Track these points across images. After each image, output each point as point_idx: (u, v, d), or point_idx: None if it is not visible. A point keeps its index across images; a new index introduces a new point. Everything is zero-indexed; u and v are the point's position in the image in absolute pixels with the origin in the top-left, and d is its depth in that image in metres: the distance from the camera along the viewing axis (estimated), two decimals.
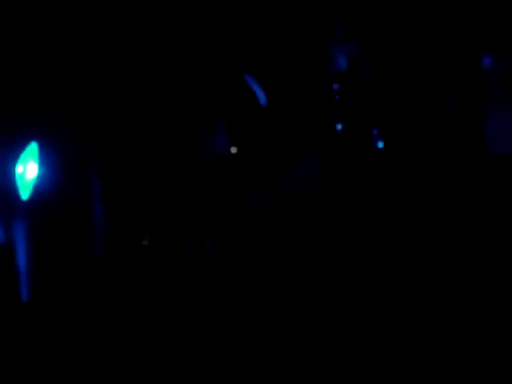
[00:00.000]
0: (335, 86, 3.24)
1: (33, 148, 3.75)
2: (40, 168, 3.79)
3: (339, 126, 3.32)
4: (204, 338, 3.30)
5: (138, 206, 4.00)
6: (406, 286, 2.88)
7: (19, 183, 3.69)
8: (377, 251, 3.09)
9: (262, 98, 3.45)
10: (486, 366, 2.49)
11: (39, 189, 3.79)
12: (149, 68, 4.05)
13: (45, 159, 3.82)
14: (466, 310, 2.78)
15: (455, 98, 3.15)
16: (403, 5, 3.06)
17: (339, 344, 2.85)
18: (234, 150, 3.71)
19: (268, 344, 3.05)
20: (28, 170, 3.73)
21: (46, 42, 3.92)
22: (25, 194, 3.71)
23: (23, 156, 3.73)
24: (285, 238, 3.40)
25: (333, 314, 3.00)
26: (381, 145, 3.09)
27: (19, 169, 3.71)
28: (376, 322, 2.85)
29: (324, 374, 2.71)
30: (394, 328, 2.79)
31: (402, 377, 2.57)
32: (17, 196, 3.70)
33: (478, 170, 3.01)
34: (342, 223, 3.19)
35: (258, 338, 3.13)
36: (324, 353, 2.83)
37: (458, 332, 2.69)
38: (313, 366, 2.79)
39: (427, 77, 3.09)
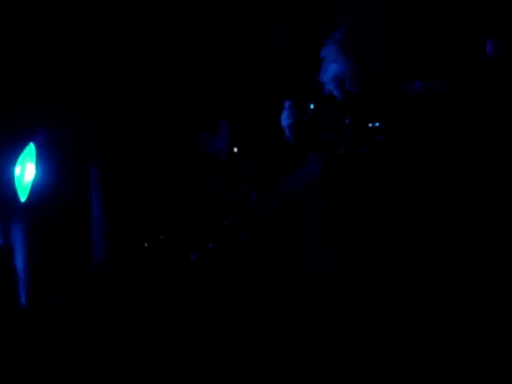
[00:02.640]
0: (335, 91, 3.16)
1: (30, 149, 3.69)
2: (38, 169, 3.73)
3: (346, 121, 3.24)
4: (209, 339, 3.26)
5: (139, 207, 3.93)
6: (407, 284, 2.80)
7: (17, 185, 3.63)
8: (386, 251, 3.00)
9: None
10: (486, 366, 2.45)
11: (37, 191, 3.73)
12: (148, 67, 3.98)
13: (43, 160, 3.76)
14: (466, 310, 2.71)
15: None
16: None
17: (340, 344, 2.80)
18: (235, 149, 3.63)
19: (272, 344, 3.01)
20: (26, 171, 3.67)
21: (46, 41, 3.87)
22: (23, 196, 3.65)
23: (21, 157, 3.67)
24: (289, 238, 3.31)
25: (336, 314, 2.93)
26: (381, 138, 3.01)
27: (17, 170, 3.66)
28: (376, 323, 2.79)
29: (324, 374, 2.68)
30: (395, 328, 2.73)
31: (402, 377, 2.53)
32: (15, 198, 3.64)
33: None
34: (346, 223, 3.09)
35: (263, 338, 3.08)
36: (326, 354, 2.79)
37: (458, 332, 2.63)
38: (314, 367, 2.76)
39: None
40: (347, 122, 3.09)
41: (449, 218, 2.81)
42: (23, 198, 3.65)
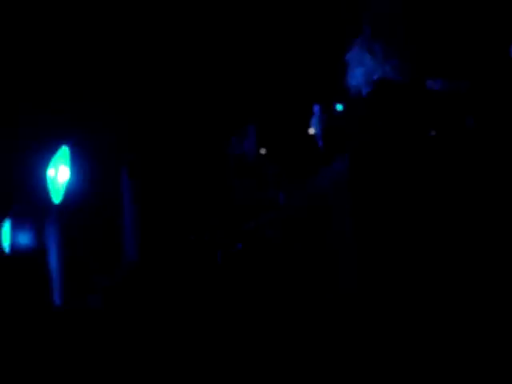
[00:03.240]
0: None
1: (64, 151, 3.74)
2: (71, 171, 3.78)
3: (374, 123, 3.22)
4: (236, 339, 3.27)
5: (170, 208, 3.97)
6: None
7: (51, 187, 3.69)
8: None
9: None
10: (486, 366, 2.43)
11: (71, 192, 3.79)
12: (180, 72, 4.02)
13: (76, 162, 3.81)
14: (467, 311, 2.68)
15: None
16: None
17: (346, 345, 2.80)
18: (263, 150, 3.64)
19: (296, 345, 3.01)
20: (59, 173, 3.72)
21: (79, 44, 3.93)
22: (56, 198, 3.71)
23: (54, 159, 3.73)
24: (317, 238, 3.30)
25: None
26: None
27: (51, 173, 3.71)
28: (376, 322, 2.78)
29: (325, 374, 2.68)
30: (396, 329, 2.72)
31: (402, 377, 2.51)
32: (49, 200, 3.70)
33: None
34: (371, 221, 3.06)
35: (289, 338, 3.09)
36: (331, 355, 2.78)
37: (459, 332, 2.61)
38: (315, 367, 2.76)
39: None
40: (378, 122, 3.08)
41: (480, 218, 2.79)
42: (57, 200, 3.71)
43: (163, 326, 3.54)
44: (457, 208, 2.84)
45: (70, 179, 3.75)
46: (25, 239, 3.69)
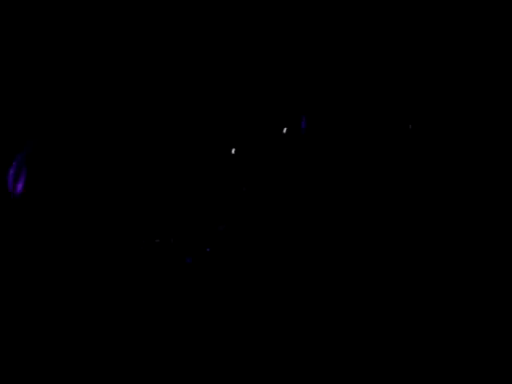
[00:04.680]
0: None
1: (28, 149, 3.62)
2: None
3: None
4: (207, 343, 3.18)
5: (138, 210, 3.86)
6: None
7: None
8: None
9: None
10: (486, 366, 2.40)
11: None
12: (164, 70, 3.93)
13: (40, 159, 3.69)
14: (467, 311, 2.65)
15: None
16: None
17: (339, 345, 2.73)
18: (232, 150, 3.56)
19: (269, 349, 2.93)
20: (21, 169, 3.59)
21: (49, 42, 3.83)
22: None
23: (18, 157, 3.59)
24: (286, 238, 3.25)
25: (333, 317, 2.87)
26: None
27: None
28: (377, 323, 2.73)
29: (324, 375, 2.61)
30: (395, 328, 2.67)
31: (402, 377, 2.47)
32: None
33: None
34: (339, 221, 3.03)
35: (259, 342, 3.01)
36: (325, 354, 2.72)
37: (459, 332, 2.57)
38: (313, 367, 2.69)
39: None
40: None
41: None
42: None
43: (128, 329, 3.42)
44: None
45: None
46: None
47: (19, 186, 3.68)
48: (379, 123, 2.96)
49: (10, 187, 3.54)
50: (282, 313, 3.05)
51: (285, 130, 3.48)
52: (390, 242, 2.98)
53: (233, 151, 3.62)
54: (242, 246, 3.47)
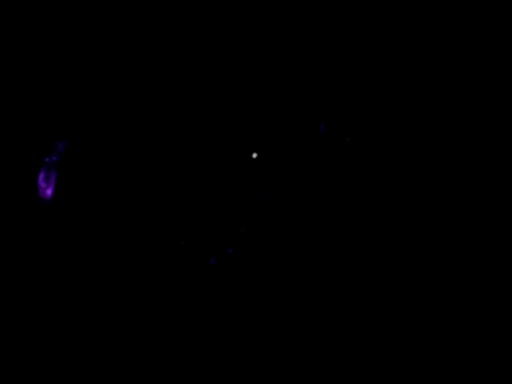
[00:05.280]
0: None
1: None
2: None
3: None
4: (226, 344, 3.23)
5: (157, 213, 3.93)
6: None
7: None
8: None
9: None
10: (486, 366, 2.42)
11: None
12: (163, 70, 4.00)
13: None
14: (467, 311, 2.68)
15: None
16: None
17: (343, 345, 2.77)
18: (254, 155, 3.63)
19: (287, 346, 2.98)
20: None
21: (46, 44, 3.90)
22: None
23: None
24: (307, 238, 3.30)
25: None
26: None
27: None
28: (377, 323, 2.77)
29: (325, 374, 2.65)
30: (394, 328, 2.70)
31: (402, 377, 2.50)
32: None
33: None
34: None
35: (280, 339, 3.06)
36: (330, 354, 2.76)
37: (459, 332, 2.60)
38: (313, 367, 2.73)
39: None
40: None
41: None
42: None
43: (147, 331, 3.48)
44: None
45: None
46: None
47: (49, 191, 3.77)
48: (394, 126, 3.00)
49: (41, 192, 3.64)
50: (302, 312, 3.09)
51: (303, 134, 3.54)
52: (402, 242, 3.02)
53: (254, 155, 3.69)
54: (263, 247, 3.53)
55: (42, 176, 3.77)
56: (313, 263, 3.28)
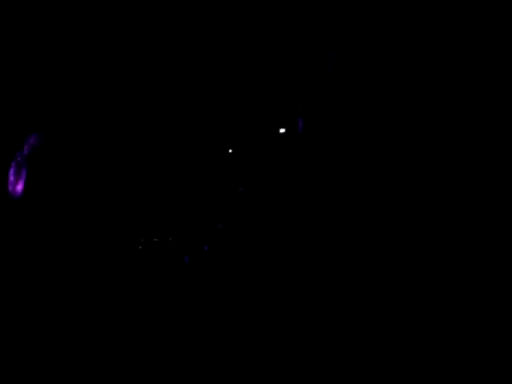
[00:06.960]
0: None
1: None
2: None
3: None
4: (205, 342, 3.20)
5: (135, 210, 3.87)
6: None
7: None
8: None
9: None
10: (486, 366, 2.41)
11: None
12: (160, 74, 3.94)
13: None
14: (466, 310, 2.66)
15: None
16: None
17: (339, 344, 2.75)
18: (230, 150, 3.59)
19: (267, 347, 2.96)
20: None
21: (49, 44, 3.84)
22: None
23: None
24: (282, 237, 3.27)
25: (332, 316, 2.89)
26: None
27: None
28: (376, 323, 2.75)
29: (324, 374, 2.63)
30: (394, 328, 2.69)
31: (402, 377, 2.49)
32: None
33: None
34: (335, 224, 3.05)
35: (257, 341, 3.03)
36: (324, 353, 2.74)
37: (459, 332, 2.59)
38: (313, 367, 2.71)
39: None
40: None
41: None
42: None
43: (124, 329, 3.43)
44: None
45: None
46: None
47: (19, 188, 3.68)
48: (375, 124, 2.98)
49: (10, 188, 3.54)
50: (278, 311, 3.06)
51: (282, 131, 3.50)
52: (388, 241, 3.00)
53: (230, 151, 3.63)
54: (239, 244, 3.49)
55: (12, 170, 3.68)
56: (291, 260, 3.25)
